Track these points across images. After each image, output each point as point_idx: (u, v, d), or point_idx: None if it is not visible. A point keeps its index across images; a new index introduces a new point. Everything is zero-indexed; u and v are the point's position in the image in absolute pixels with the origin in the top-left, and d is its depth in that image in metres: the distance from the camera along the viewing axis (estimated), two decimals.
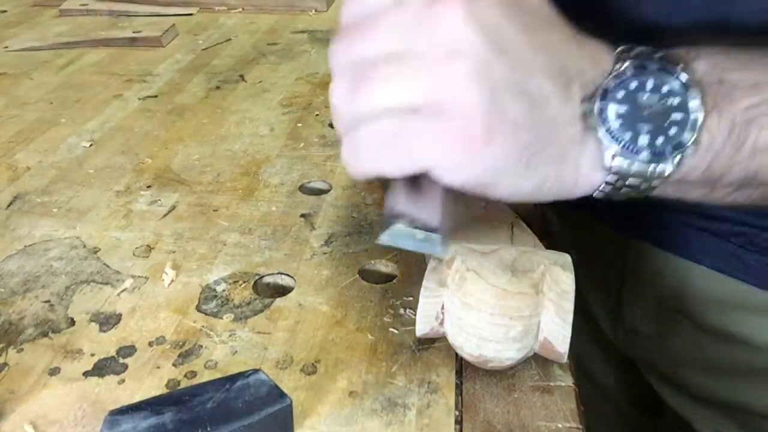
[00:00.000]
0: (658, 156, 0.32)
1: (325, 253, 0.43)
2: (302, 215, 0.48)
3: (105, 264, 0.43)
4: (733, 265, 0.49)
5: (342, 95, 0.32)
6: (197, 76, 0.73)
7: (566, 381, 0.33)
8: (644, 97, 0.32)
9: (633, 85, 0.32)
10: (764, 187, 0.35)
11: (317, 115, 0.63)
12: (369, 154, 0.31)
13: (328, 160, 0.55)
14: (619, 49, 0.33)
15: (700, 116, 0.32)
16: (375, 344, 0.36)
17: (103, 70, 0.75)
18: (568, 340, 0.32)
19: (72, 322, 0.38)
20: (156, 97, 0.68)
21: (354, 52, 0.32)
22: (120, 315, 0.39)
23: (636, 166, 0.32)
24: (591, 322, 0.63)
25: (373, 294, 0.40)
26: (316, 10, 0.96)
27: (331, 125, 0.61)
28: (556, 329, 0.32)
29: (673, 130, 0.32)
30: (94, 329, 0.38)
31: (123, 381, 0.34)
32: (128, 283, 0.41)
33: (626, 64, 0.32)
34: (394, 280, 0.41)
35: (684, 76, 0.32)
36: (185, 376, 0.34)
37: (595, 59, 0.32)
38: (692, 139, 0.32)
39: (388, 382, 0.34)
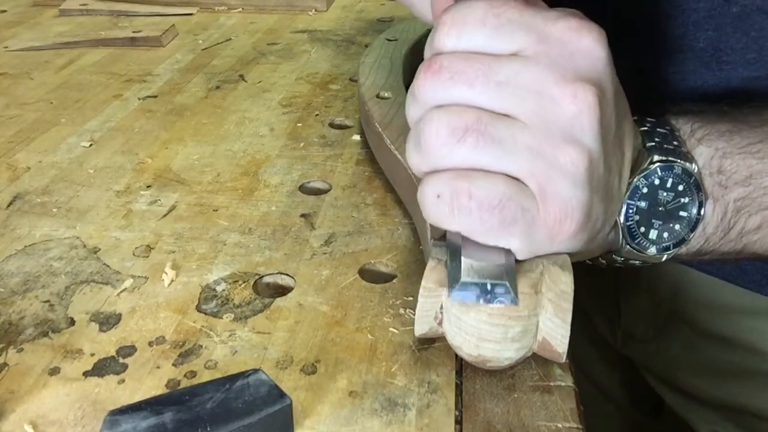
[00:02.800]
0: (661, 250, 0.35)
1: (325, 253, 0.43)
2: (302, 215, 0.48)
3: (105, 264, 0.43)
4: (728, 270, 0.49)
5: (441, 136, 0.29)
6: (197, 76, 0.73)
7: (566, 381, 0.33)
8: (663, 194, 0.34)
9: (656, 181, 0.34)
10: (750, 256, 0.37)
11: (317, 115, 0.63)
12: (457, 210, 0.30)
13: (328, 160, 0.55)
14: (642, 129, 0.35)
15: (701, 219, 0.34)
16: (375, 344, 0.36)
17: (103, 70, 0.75)
18: (567, 340, 0.32)
19: (72, 322, 0.38)
20: (156, 97, 0.68)
21: (463, 94, 0.29)
22: (120, 315, 0.39)
23: (640, 256, 0.35)
24: (589, 324, 0.63)
25: (373, 294, 0.40)
26: (316, 10, 0.96)
27: (331, 125, 0.61)
28: (555, 329, 0.32)
29: (677, 227, 0.34)
30: (94, 329, 0.38)
31: (123, 381, 0.34)
32: (128, 283, 0.41)
33: (655, 163, 0.34)
34: (394, 280, 0.41)
35: (697, 172, 0.34)
36: (185, 376, 0.34)
37: (633, 144, 0.34)
38: (691, 236, 0.34)
39: (388, 382, 0.34)
